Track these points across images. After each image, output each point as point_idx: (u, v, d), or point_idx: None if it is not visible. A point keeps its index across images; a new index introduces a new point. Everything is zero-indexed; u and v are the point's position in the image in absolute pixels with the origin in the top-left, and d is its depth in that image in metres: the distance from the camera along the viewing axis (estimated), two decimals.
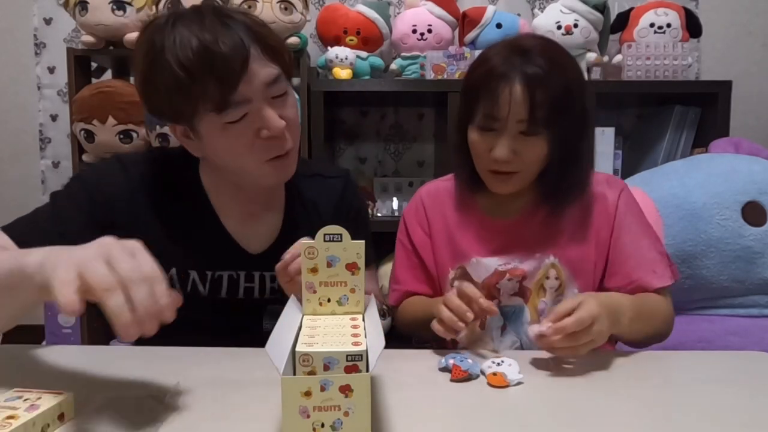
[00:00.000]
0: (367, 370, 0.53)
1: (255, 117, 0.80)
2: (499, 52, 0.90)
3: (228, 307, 0.93)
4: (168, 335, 0.78)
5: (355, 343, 0.54)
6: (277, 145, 0.83)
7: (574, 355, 0.77)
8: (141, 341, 0.99)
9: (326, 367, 0.51)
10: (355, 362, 0.52)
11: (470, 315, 0.79)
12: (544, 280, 0.96)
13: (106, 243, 0.56)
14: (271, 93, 0.81)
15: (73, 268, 0.53)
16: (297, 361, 0.52)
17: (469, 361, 0.74)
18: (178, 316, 0.70)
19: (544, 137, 0.88)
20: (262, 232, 0.95)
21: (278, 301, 0.76)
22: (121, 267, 0.53)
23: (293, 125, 0.85)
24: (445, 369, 0.75)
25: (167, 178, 0.91)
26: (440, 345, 1.01)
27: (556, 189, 0.94)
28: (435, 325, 0.82)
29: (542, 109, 0.85)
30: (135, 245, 0.57)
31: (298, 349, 0.52)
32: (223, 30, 0.77)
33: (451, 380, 0.72)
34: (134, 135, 1.78)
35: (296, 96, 0.91)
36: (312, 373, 0.52)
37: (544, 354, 0.79)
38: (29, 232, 0.80)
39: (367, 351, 0.53)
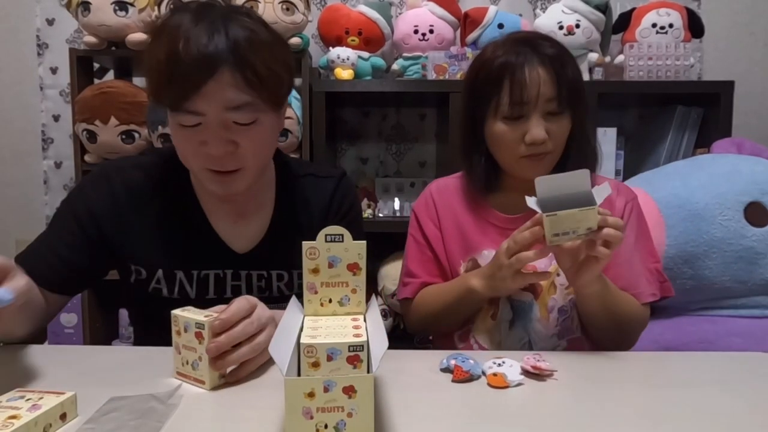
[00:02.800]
0: (368, 367, 0.53)
1: (204, 130, 0.80)
2: (503, 46, 0.93)
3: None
4: (161, 337, 0.78)
5: (356, 335, 0.56)
6: (217, 162, 0.82)
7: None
8: (141, 341, 1.01)
9: (329, 358, 0.53)
10: (356, 352, 0.53)
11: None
12: (555, 278, 0.97)
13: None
14: (231, 117, 0.80)
15: None
16: (302, 352, 0.53)
17: (471, 361, 0.74)
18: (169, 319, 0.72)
19: (568, 116, 0.93)
20: (250, 231, 0.95)
21: (265, 299, 0.77)
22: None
23: (247, 153, 0.83)
24: (446, 369, 0.75)
25: (156, 180, 0.92)
26: (446, 344, 1.01)
27: (570, 168, 0.94)
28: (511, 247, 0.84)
29: (566, 87, 0.91)
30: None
31: (302, 341, 0.54)
32: (208, 38, 0.76)
33: (453, 381, 0.72)
34: (136, 135, 1.78)
35: (288, 124, 0.90)
36: (316, 364, 0.53)
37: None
38: (34, 261, 0.86)
39: (368, 342, 0.54)
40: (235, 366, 0.71)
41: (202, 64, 0.75)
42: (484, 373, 0.73)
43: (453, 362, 0.74)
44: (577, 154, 0.96)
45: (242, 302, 0.72)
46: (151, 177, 0.92)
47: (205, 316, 0.70)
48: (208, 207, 0.93)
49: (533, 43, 0.92)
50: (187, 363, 0.71)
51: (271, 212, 0.97)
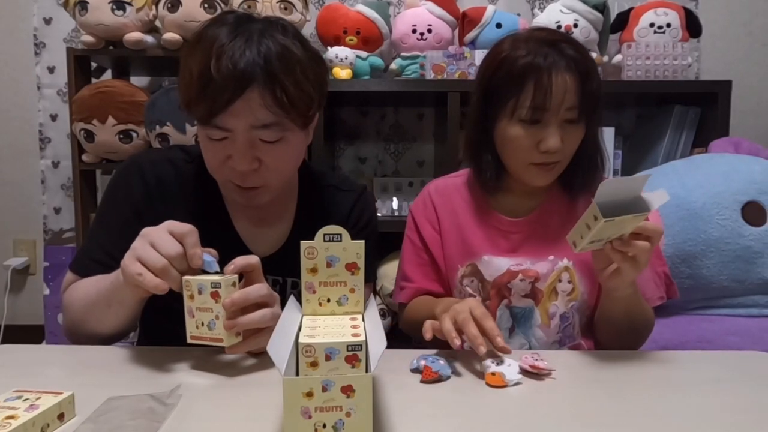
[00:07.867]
0: (367, 366, 0.53)
1: (230, 144, 0.81)
2: (526, 45, 0.88)
3: None
4: (172, 336, 0.79)
5: (355, 335, 0.56)
6: (239, 178, 0.83)
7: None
8: (142, 342, 1.01)
9: (328, 357, 0.53)
10: (355, 352, 0.53)
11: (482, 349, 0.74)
12: (556, 284, 0.95)
13: (146, 231, 0.73)
14: (257, 135, 0.80)
15: (133, 259, 0.70)
16: (300, 352, 0.53)
17: (441, 362, 0.74)
18: (181, 317, 0.72)
19: (583, 125, 0.90)
20: (271, 236, 0.95)
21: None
22: (163, 248, 0.70)
23: (270, 171, 0.84)
24: (416, 370, 0.74)
25: (186, 177, 0.93)
26: (447, 347, 1.01)
27: (579, 175, 0.94)
28: (427, 326, 0.80)
29: (589, 95, 0.87)
30: (166, 224, 0.73)
31: (300, 340, 0.54)
32: (240, 55, 0.76)
33: (421, 381, 0.72)
34: (134, 135, 1.78)
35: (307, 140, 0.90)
36: (314, 364, 0.53)
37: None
38: (91, 266, 0.88)
39: (366, 342, 0.54)
40: (242, 336, 0.72)
41: (232, 83, 0.76)
42: (454, 374, 0.74)
43: (423, 362, 0.74)
44: (587, 161, 0.94)
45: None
46: (180, 174, 0.93)
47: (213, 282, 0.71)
48: (232, 209, 0.94)
49: (559, 46, 0.87)
50: (202, 324, 0.71)
51: (293, 220, 0.97)
